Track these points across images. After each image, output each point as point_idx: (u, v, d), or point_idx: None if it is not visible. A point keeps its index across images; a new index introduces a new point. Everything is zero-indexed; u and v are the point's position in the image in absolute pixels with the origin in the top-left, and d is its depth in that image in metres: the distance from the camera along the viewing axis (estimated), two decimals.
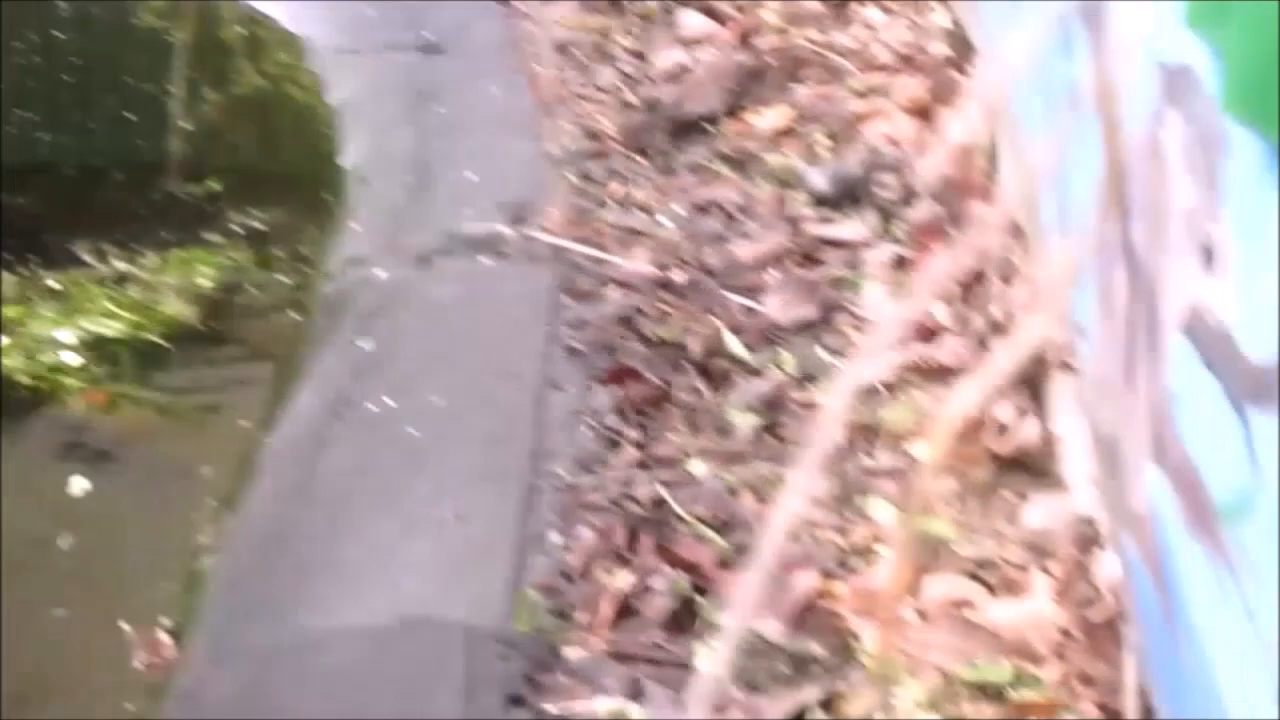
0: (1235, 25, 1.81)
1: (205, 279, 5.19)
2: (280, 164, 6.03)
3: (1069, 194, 3.09)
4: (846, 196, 4.88)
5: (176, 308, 5.06)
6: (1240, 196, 1.95)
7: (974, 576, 3.52)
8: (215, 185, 5.67)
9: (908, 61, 5.58)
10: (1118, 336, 2.62)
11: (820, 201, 4.90)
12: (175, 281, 5.16)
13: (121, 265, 5.23)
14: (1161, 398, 2.40)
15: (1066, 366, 3.59)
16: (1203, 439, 2.22)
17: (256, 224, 5.51)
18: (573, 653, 3.39)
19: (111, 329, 4.96)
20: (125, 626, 3.74)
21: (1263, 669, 2.00)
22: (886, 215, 4.80)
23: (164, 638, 3.70)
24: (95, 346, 4.91)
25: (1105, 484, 3.12)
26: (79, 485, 4.36)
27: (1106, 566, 3.29)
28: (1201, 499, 2.21)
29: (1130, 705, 3.03)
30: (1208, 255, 2.09)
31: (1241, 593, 2.06)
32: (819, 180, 4.95)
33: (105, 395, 4.70)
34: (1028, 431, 3.79)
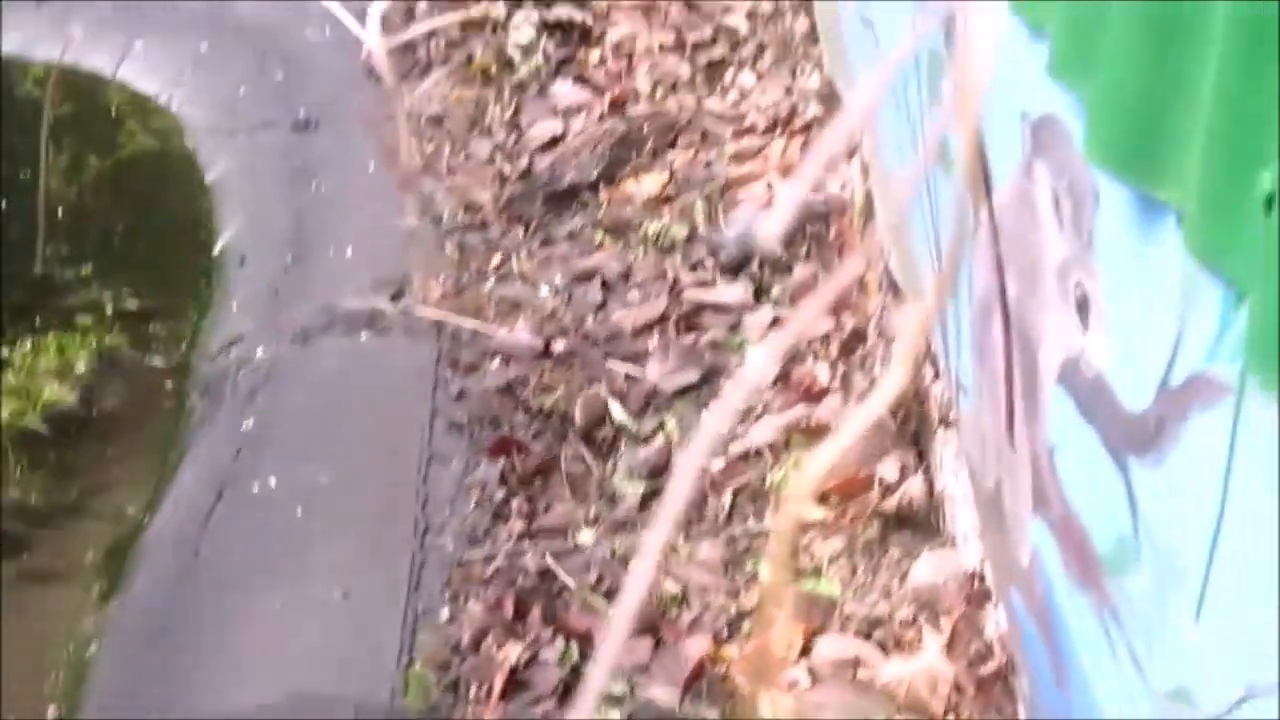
0: (1099, 74, 1.82)
1: (82, 362, 5.12)
2: (156, 244, 5.98)
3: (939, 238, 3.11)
4: (726, 261, 4.88)
5: (55, 392, 4.99)
6: (1111, 246, 1.97)
7: (865, 635, 3.53)
8: (87, 269, 5.60)
9: (784, 124, 5.60)
10: (997, 390, 2.63)
11: (698, 266, 4.90)
12: (52, 365, 5.09)
13: None
14: (1042, 449, 2.41)
15: (949, 423, 3.61)
16: (1084, 489, 2.23)
17: (132, 305, 5.44)
18: None
19: None
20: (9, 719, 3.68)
21: (1152, 716, 2.00)
22: (765, 279, 4.80)
23: None
24: None
25: (990, 538, 3.14)
26: None
27: (995, 620, 3.30)
28: (1085, 549, 2.22)
29: None
30: (1082, 306, 2.10)
31: (1128, 641, 2.07)
32: (698, 246, 4.96)
33: None
34: (913, 489, 3.81)
